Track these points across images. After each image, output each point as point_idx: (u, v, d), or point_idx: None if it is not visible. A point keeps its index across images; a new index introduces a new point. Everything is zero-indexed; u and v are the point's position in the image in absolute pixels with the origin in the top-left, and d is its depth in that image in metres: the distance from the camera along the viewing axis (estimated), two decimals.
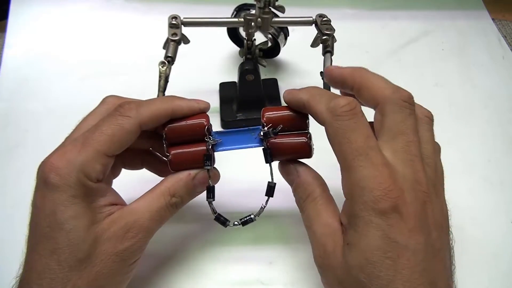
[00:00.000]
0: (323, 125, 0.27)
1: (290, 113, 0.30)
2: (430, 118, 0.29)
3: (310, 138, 0.30)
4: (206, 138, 0.30)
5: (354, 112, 0.25)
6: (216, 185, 0.31)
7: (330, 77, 0.31)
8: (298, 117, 0.30)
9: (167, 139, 0.30)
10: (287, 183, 0.31)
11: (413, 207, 0.24)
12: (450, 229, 0.28)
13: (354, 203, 0.24)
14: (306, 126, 0.30)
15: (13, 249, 0.30)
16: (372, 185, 0.24)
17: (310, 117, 0.30)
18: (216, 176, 0.31)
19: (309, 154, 0.30)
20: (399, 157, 0.25)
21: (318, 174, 0.30)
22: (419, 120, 0.28)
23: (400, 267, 0.23)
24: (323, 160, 0.30)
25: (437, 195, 0.26)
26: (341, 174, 0.26)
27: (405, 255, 0.23)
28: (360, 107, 0.26)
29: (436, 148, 0.29)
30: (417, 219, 0.24)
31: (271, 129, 0.29)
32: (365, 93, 0.28)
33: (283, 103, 0.32)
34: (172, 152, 0.30)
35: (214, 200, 0.30)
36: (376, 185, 0.23)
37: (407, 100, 0.26)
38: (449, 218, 0.28)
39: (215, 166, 0.31)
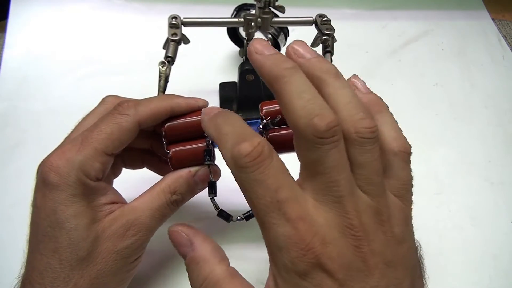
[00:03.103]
0: None
1: None
2: (407, 152, 0.25)
3: None
4: (206, 134, 0.30)
5: (259, 161, 0.21)
6: (217, 184, 0.31)
7: (251, 61, 0.25)
8: None
9: (166, 137, 0.30)
10: None
11: (340, 258, 0.20)
12: (417, 248, 0.25)
13: (276, 266, 0.21)
14: None
15: (14, 249, 0.30)
16: (288, 246, 0.20)
17: None
18: (217, 172, 0.31)
19: None
20: (321, 200, 0.21)
21: (217, 245, 0.25)
22: (393, 157, 0.24)
23: None
24: None
25: (381, 229, 0.22)
26: (261, 231, 0.22)
27: None
28: (269, 150, 0.21)
29: (408, 188, 0.25)
30: (347, 269, 0.20)
31: (269, 120, 0.29)
32: (282, 111, 0.23)
33: None
34: (172, 149, 0.30)
35: (216, 195, 0.30)
36: (293, 245, 0.20)
37: (324, 134, 0.21)
38: (451, 217, 0.26)
39: (215, 162, 0.31)
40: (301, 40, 0.26)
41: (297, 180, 0.23)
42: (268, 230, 0.21)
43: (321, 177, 0.21)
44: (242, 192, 0.22)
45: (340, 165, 0.21)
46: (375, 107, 0.25)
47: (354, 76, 0.27)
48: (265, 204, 0.21)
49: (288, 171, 0.22)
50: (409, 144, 0.25)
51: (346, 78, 0.26)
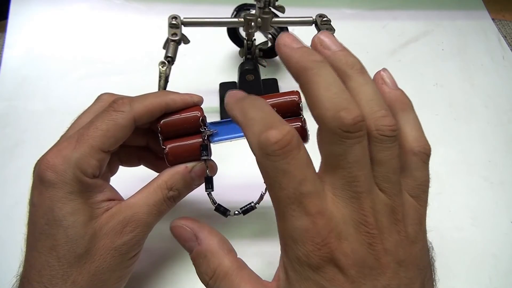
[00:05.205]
0: None
1: (282, 99, 0.30)
2: (426, 153, 0.24)
3: (304, 122, 0.30)
4: (202, 129, 0.30)
5: (287, 150, 0.20)
6: (214, 181, 0.31)
7: (279, 54, 0.24)
8: (291, 102, 0.29)
9: (162, 133, 0.30)
10: None
11: (354, 255, 0.20)
12: (429, 249, 0.25)
13: (289, 257, 0.21)
14: (300, 110, 0.30)
15: (13, 248, 0.30)
16: (304, 239, 0.20)
17: (303, 100, 0.27)
18: (213, 167, 0.31)
19: (305, 139, 0.29)
20: (339, 194, 0.21)
21: (223, 237, 0.25)
22: (412, 157, 0.24)
23: None
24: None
25: (395, 228, 0.22)
26: (276, 220, 0.22)
27: None
28: (298, 140, 0.21)
29: (424, 188, 0.25)
30: (360, 266, 0.20)
31: None
32: (308, 102, 0.22)
33: None
34: (168, 145, 0.30)
35: (213, 190, 0.30)
36: (309, 239, 0.20)
37: (350, 128, 0.20)
38: (451, 217, 0.26)
39: (212, 158, 0.31)
40: (328, 31, 0.25)
41: (317, 172, 0.23)
42: (285, 221, 0.21)
43: (342, 172, 0.21)
44: (264, 180, 0.22)
45: (362, 161, 0.21)
46: (400, 104, 0.25)
47: (384, 69, 0.27)
48: (288, 195, 0.21)
49: (312, 164, 0.22)
50: (429, 145, 0.25)
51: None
